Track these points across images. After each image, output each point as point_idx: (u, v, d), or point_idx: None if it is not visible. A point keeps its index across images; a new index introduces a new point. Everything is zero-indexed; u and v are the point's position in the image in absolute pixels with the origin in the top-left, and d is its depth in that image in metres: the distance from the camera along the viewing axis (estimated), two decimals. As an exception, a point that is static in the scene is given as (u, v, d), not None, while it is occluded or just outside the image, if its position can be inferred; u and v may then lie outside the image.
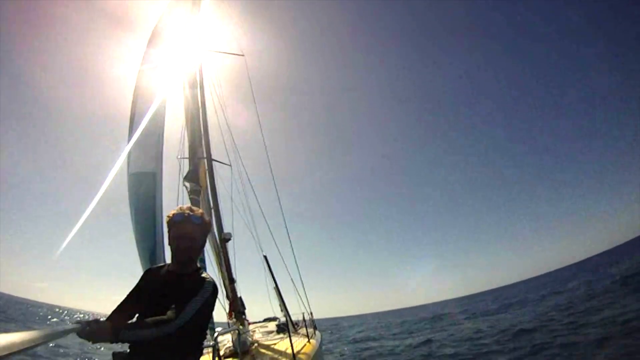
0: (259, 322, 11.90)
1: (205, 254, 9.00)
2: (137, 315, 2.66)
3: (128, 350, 2.59)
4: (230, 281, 9.59)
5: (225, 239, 9.72)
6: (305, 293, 10.80)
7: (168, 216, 2.73)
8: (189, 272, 2.73)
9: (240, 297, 10.08)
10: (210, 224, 2.87)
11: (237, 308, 9.19)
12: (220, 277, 9.67)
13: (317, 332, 11.42)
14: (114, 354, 2.57)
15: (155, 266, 2.88)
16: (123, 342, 2.38)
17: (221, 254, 9.72)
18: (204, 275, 2.74)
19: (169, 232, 2.72)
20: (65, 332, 2.02)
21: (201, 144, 10.31)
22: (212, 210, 10.10)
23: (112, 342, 2.25)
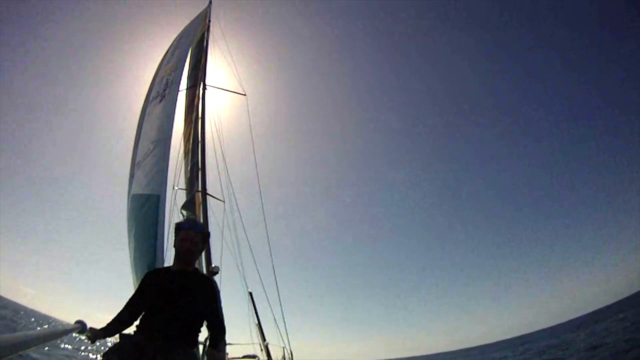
0: (238, 358, 11.73)
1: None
2: (144, 312, 3.08)
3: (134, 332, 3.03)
4: (215, 314, 9.56)
5: (212, 272, 9.74)
6: (286, 332, 10.73)
7: (176, 223, 3.38)
8: (190, 271, 3.25)
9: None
10: (209, 234, 3.58)
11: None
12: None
13: None
14: (122, 336, 3.02)
15: (156, 269, 3.49)
16: None
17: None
18: (204, 273, 3.52)
19: (175, 236, 3.31)
20: (65, 332, 2.19)
21: (198, 178, 10.59)
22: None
23: None
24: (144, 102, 8.29)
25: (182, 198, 10.51)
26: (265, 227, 11.90)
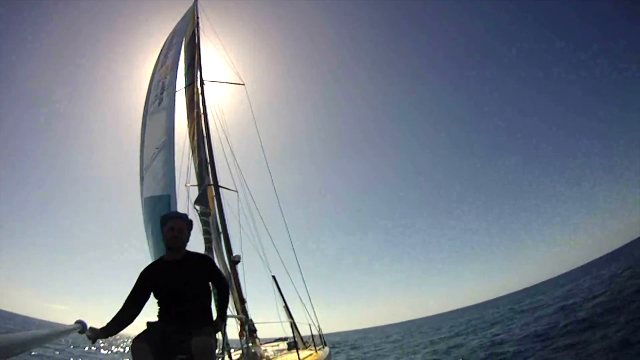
0: (271, 341, 12.04)
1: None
2: (158, 304, 3.40)
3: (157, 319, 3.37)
4: (241, 302, 9.86)
5: (234, 261, 10.02)
6: (313, 309, 11.01)
7: (161, 216, 3.57)
8: (183, 257, 3.49)
9: (251, 319, 10.36)
10: (192, 222, 3.65)
11: (248, 326, 9.42)
12: (232, 298, 9.99)
13: (326, 347, 11.62)
14: (149, 323, 3.30)
15: (150, 263, 3.57)
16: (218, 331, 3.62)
17: (231, 276, 10.05)
18: (196, 252, 3.69)
19: (162, 227, 3.48)
20: (65, 332, 2.24)
21: (208, 172, 10.78)
22: (221, 235, 10.45)
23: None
24: (144, 106, 8.42)
25: (195, 194, 10.78)
26: (281, 211, 12.17)
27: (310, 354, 8.26)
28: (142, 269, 3.48)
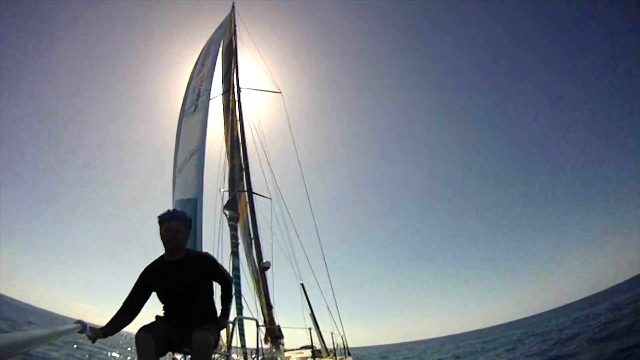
0: (296, 349, 12.03)
1: (245, 282, 9.50)
2: (162, 303, 3.49)
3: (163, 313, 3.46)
4: (268, 307, 9.93)
5: (264, 267, 10.09)
6: (340, 319, 10.94)
7: (158, 216, 3.42)
8: (184, 255, 3.47)
9: (278, 325, 10.40)
10: (190, 220, 3.57)
11: (274, 333, 9.46)
12: (259, 303, 10.08)
13: (349, 357, 11.53)
14: (157, 317, 3.41)
15: (150, 264, 3.52)
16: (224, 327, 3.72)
17: (260, 281, 10.14)
18: (198, 251, 3.74)
19: (160, 228, 3.40)
20: (66, 332, 2.20)
21: (242, 178, 10.95)
22: (252, 241, 10.57)
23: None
24: (180, 112, 8.65)
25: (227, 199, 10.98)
26: (314, 219, 12.17)
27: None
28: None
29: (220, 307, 3.75)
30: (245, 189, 10.78)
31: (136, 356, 3.10)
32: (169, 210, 3.42)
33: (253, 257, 10.55)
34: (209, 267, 3.57)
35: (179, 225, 3.40)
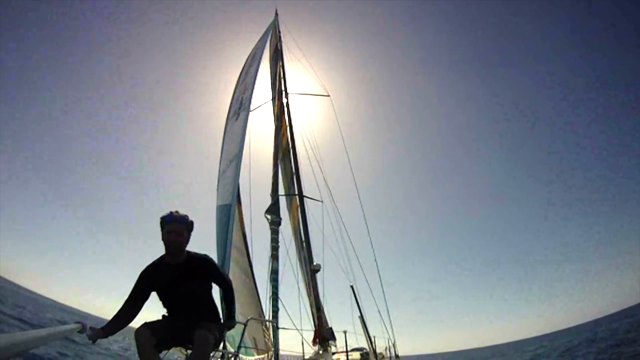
0: (345, 351, 12.02)
1: (290, 285, 9.70)
2: (165, 305, 3.62)
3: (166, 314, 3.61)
4: (317, 309, 10.03)
5: (314, 270, 10.20)
6: (390, 323, 10.81)
7: (161, 217, 3.48)
8: (184, 257, 3.55)
9: (331, 328, 10.47)
10: (192, 224, 3.61)
11: (322, 335, 9.54)
12: (309, 305, 10.21)
13: None
14: (164, 316, 3.58)
15: (150, 264, 3.59)
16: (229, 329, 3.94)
17: (310, 284, 10.27)
18: (197, 253, 3.68)
19: (162, 230, 3.46)
20: (66, 332, 2.24)
21: (293, 182, 11.15)
22: (304, 243, 10.72)
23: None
24: (226, 119, 8.95)
25: (282, 203, 11.21)
26: (365, 222, 12.13)
27: None
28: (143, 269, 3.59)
29: (225, 309, 3.87)
30: (297, 192, 10.99)
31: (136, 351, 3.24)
32: (171, 213, 3.50)
33: (303, 259, 10.71)
34: (209, 269, 3.66)
35: (181, 228, 3.45)
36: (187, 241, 3.57)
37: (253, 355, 7.72)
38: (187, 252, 3.60)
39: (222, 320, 3.86)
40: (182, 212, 3.59)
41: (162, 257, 3.59)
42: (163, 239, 3.48)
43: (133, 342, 3.33)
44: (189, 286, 3.51)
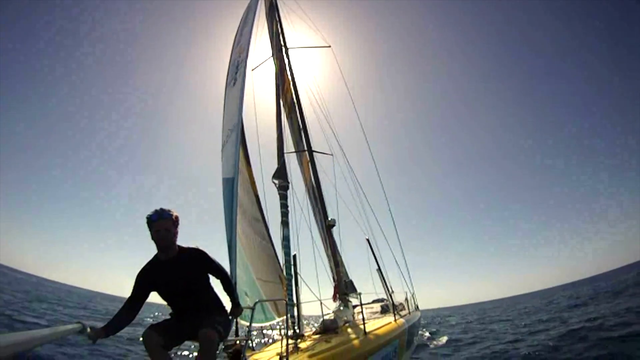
0: (367, 303, 12.18)
1: (306, 245, 9.74)
2: (168, 303, 3.74)
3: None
4: (335, 264, 10.13)
5: (330, 225, 10.19)
6: (408, 273, 10.92)
7: (147, 217, 3.55)
8: (176, 252, 3.64)
9: (351, 281, 10.61)
10: (178, 218, 3.65)
11: (341, 290, 9.67)
12: (328, 261, 10.31)
13: (418, 312, 11.54)
14: (170, 314, 3.72)
15: (146, 264, 3.68)
16: (236, 317, 3.97)
17: (327, 239, 10.32)
18: (187, 246, 3.78)
19: (150, 230, 3.54)
20: (66, 332, 2.27)
21: (301, 138, 10.95)
22: (318, 199, 10.67)
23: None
24: (225, 88, 8.68)
25: (293, 161, 11.10)
26: (377, 172, 12.00)
27: (391, 321, 8.22)
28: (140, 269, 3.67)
29: (229, 298, 3.94)
30: (305, 148, 10.82)
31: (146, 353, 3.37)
32: (155, 211, 3.54)
33: (318, 216, 10.71)
34: (202, 260, 3.74)
35: (166, 223, 3.53)
36: (175, 235, 3.64)
37: (274, 319, 7.88)
38: (178, 246, 3.68)
39: (227, 310, 3.92)
40: (166, 207, 3.62)
41: (155, 255, 3.67)
42: (153, 238, 3.57)
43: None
44: (186, 279, 3.59)
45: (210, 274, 3.81)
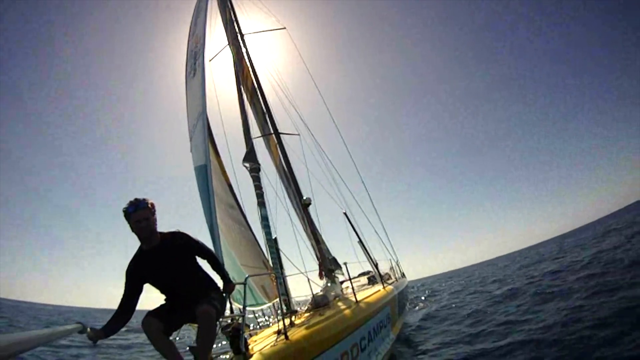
0: (354, 278, 12.36)
1: (291, 222, 9.84)
2: (162, 292, 3.75)
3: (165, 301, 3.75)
4: (316, 242, 10.26)
5: (305, 204, 10.28)
6: (390, 242, 11.15)
7: (123, 210, 3.50)
8: (159, 240, 3.63)
9: (334, 258, 10.77)
10: (153, 205, 3.62)
11: (326, 267, 9.82)
12: (309, 240, 10.44)
13: (404, 278, 11.85)
14: (166, 300, 3.72)
15: (131, 258, 3.66)
16: (230, 293, 3.97)
17: (305, 219, 10.42)
18: (169, 232, 3.79)
19: (128, 222, 3.51)
20: (66, 332, 2.27)
21: (266, 121, 10.97)
22: (290, 180, 10.75)
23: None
24: (185, 80, 8.65)
25: (261, 145, 11.13)
26: (346, 146, 12.17)
27: (379, 289, 8.45)
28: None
29: (219, 276, 3.98)
30: (272, 131, 10.85)
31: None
32: (130, 202, 3.51)
33: (292, 196, 10.79)
34: (186, 242, 3.74)
35: (145, 213, 3.50)
36: (155, 223, 3.62)
37: (264, 303, 7.97)
38: (160, 233, 3.67)
39: (220, 287, 3.96)
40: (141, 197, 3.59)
41: (139, 248, 3.66)
42: (133, 231, 3.54)
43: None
44: (174, 264, 3.61)
45: (196, 255, 3.81)
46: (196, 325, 3.49)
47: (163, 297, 3.77)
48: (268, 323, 7.81)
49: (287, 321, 5.08)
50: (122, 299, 3.53)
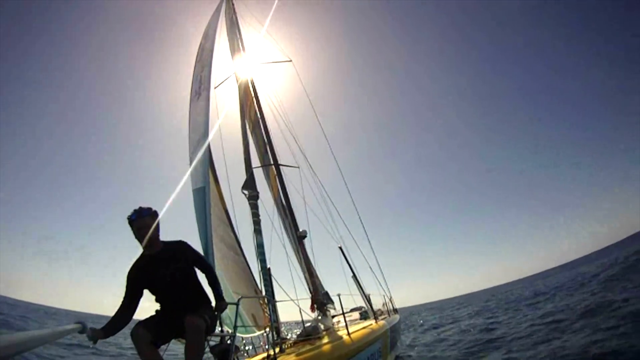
0: (347, 312, 12.20)
1: (279, 257, 9.73)
2: (157, 299, 3.77)
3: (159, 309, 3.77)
4: (310, 275, 10.11)
5: (301, 236, 10.22)
6: (384, 278, 11.00)
7: (127, 217, 3.65)
8: (161, 247, 3.78)
9: (326, 292, 10.60)
10: (155, 212, 3.75)
11: (318, 300, 9.65)
12: (302, 272, 10.28)
13: (397, 315, 11.64)
14: (157, 311, 3.75)
15: (133, 263, 3.76)
16: (221, 311, 3.97)
17: (299, 251, 10.30)
18: (171, 241, 3.91)
19: (132, 229, 3.66)
20: (66, 332, 2.26)
21: (267, 152, 11.01)
22: (287, 211, 10.69)
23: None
24: (189, 101, 8.75)
25: (260, 176, 11.11)
26: (344, 181, 12.16)
27: (371, 323, 8.29)
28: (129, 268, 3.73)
29: (212, 292, 4.01)
30: (272, 162, 10.87)
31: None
32: (134, 210, 3.62)
33: (289, 228, 10.70)
34: (186, 252, 3.86)
35: (147, 221, 3.65)
36: (158, 230, 3.75)
37: (254, 332, 7.80)
38: (163, 241, 3.81)
39: (213, 304, 3.99)
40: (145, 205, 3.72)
41: (141, 253, 3.77)
42: (136, 237, 3.68)
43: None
44: (172, 272, 3.68)
45: (195, 265, 3.90)
46: (184, 340, 3.49)
47: (155, 307, 3.81)
48: (255, 352, 7.63)
49: (277, 349, 4.97)
50: (123, 301, 3.62)
